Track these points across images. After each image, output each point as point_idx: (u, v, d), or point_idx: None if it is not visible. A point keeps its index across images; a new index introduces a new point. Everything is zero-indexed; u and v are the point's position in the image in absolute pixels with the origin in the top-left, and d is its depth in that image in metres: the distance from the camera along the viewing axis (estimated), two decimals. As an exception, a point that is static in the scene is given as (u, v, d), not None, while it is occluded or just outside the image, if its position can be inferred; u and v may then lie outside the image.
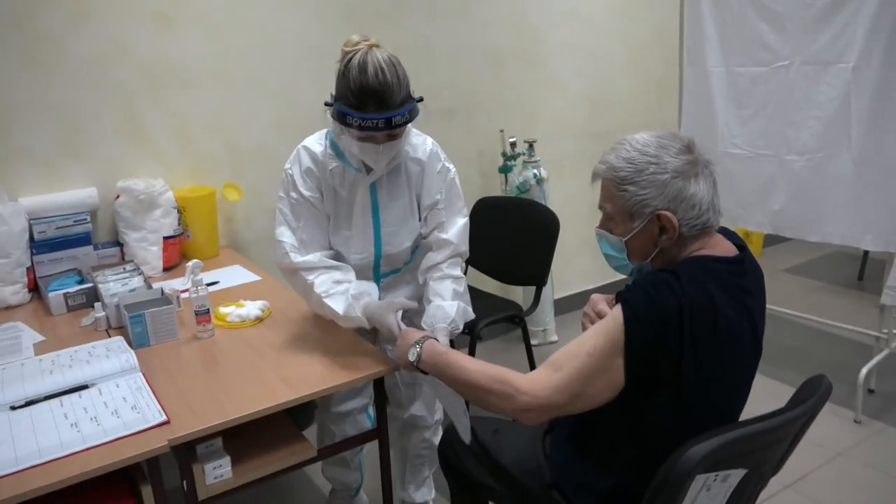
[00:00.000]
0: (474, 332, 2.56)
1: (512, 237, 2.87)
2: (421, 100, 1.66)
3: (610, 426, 1.36)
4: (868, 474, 2.43)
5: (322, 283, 1.74)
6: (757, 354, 1.37)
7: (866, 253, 4.11)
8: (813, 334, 3.44)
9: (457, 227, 1.83)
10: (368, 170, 1.75)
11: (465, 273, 2.99)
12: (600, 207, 1.39)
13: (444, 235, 1.82)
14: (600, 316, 1.39)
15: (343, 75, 1.60)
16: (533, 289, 2.83)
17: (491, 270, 2.99)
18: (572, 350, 1.28)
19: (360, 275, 1.85)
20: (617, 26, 3.68)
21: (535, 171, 3.26)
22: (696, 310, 1.21)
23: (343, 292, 1.72)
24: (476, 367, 1.38)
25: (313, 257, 1.76)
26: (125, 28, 2.38)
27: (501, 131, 3.32)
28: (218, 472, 1.51)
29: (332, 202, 1.80)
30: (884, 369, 2.94)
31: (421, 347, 1.48)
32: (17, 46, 2.22)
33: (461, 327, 1.79)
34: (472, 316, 1.84)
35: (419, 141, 1.82)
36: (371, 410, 2.16)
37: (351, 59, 1.58)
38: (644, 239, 1.33)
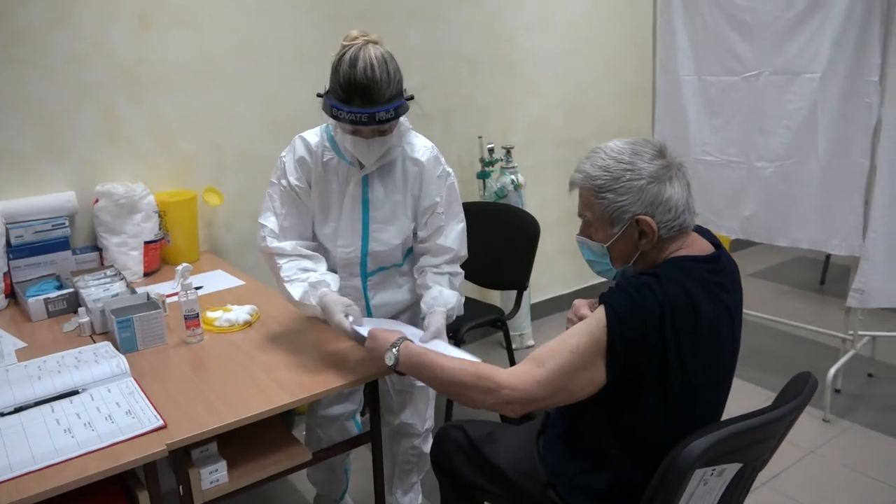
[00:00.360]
0: (458, 336, 2.57)
1: (492, 242, 2.90)
2: (412, 98, 1.68)
3: (598, 426, 1.40)
4: (838, 471, 2.52)
5: (288, 269, 1.77)
6: (735, 348, 1.42)
7: (828, 258, 4.26)
8: (780, 336, 3.55)
9: (456, 233, 1.85)
10: (361, 164, 1.76)
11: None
12: (580, 215, 1.43)
13: (444, 242, 1.84)
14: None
15: (335, 69, 1.63)
16: (511, 293, 2.86)
17: (470, 275, 3.00)
18: (555, 347, 1.32)
19: (347, 270, 1.87)
20: (591, 33, 3.75)
21: (513, 176, 3.30)
22: (677, 309, 1.26)
23: (303, 280, 1.74)
24: (455, 364, 1.41)
25: (287, 245, 1.80)
26: (105, 27, 2.35)
27: (480, 137, 3.36)
28: (214, 476, 1.50)
29: (322, 194, 1.81)
30: (849, 370, 3.05)
31: (398, 350, 1.49)
32: (-6, 44, 2.17)
33: (454, 317, 1.82)
34: (462, 312, 1.88)
35: (419, 142, 1.82)
36: (358, 417, 2.17)
37: (344, 53, 1.61)
38: (625, 243, 1.37)
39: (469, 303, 2.93)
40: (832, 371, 2.83)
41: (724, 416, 1.31)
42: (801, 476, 2.48)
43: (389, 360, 1.49)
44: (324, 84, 1.69)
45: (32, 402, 1.48)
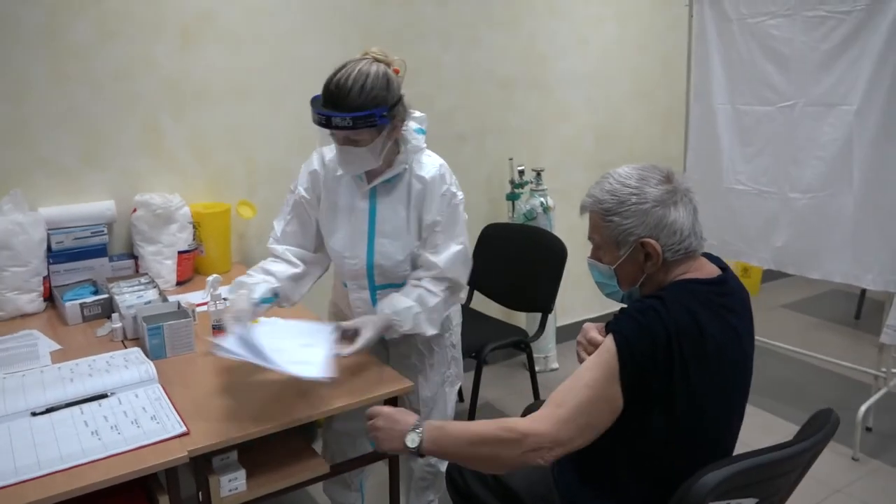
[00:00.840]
0: (481, 356, 2.59)
1: (519, 264, 2.91)
2: (389, 118, 1.65)
3: (609, 451, 1.40)
4: (865, 511, 2.45)
5: (257, 268, 1.86)
6: (746, 372, 1.42)
7: (863, 292, 4.17)
8: (810, 370, 3.48)
9: (449, 253, 1.79)
10: (369, 179, 1.80)
11: (470, 298, 3.06)
12: (589, 238, 1.47)
13: (433, 258, 1.80)
14: (592, 343, 1.42)
15: None
16: (536, 315, 2.86)
17: (496, 296, 3.03)
18: (571, 385, 1.33)
19: (356, 283, 1.89)
20: (625, 58, 3.77)
21: (542, 199, 3.32)
22: (683, 331, 1.28)
23: (245, 278, 1.81)
24: (478, 423, 1.38)
25: (279, 248, 1.89)
26: (150, 43, 2.44)
27: (510, 159, 3.38)
28: (233, 484, 1.53)
29: (332, 207, 1.86)
30: (882, 408, 2.97)
31: (422, 431, 1.37)
32: (46, 59, 2.27)
33: (405, 327, 1.76)
34: (428, 330, 1.80)
35: (429, 161, 1.83)
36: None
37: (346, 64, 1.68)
38: (631, 266, 1.40)
39: (493, 323, 2.97)
40: (863, 408, 2.77)
41: (745, 449, 1.30)
42: (827, 515, 2.43)
43: (412, 443, 1.37)
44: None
45: (63, 403, 1.54)
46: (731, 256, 3.25)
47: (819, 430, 1.29)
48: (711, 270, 1.40)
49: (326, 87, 1.66)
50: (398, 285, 1.86)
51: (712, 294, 1.34)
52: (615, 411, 1.30)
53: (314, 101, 1.69)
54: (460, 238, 1.82)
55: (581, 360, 1.41)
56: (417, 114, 1.86)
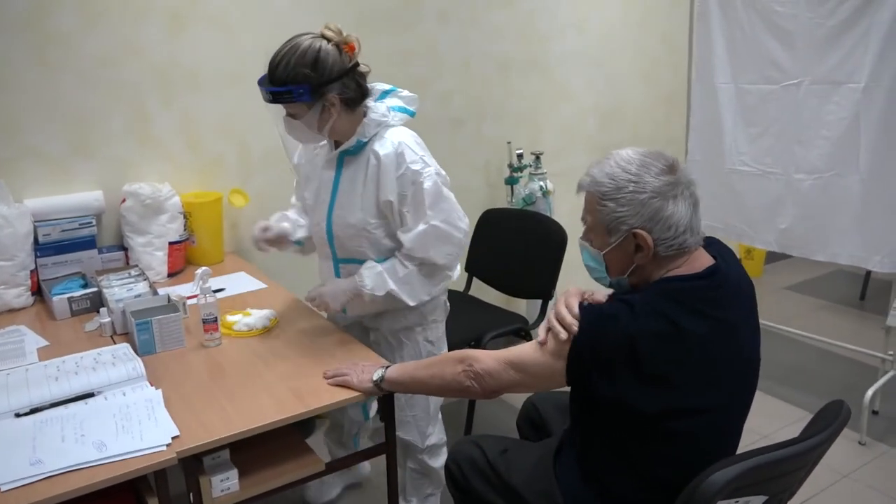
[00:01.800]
0: (480, 344, 2.54)
1: (518, 249, 2.86)
2: (313, 95, 1.70)
3: (607, 452, 1.38)
4: (873, 497, 2.41)
5: (293, 210, 2.10)
6: (746, 366, 1.37)
7: (868, 273, 4.11)
8: (815, 353, 3.43)
9: (415, 233, 1.77)
10: (336, 148, 1.85)
11: (469, 285, 3.01)
12: (582, 219, 1.41)
13: (402, 236, 1.80)
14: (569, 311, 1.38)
15: None
16: (536, 302, 2.81)
17: (495, 282, 2.98)
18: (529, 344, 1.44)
19: (322, 250, 1.98)
20: (626, 38, 3.68)
21: (542, 183, 3.25)
22: (655, 334, 1.24)
23: (280, 216, 2.05)
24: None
25: (295, 200, 2.13)
26: (137, 28, 2.36)
27: (509, 143, 3.31)
28: (225, 484, 1.49)
29: (307, 174, 1.96)
30: (889, 391, 2.92)
31: (385, 368, 1.61)
32: (28, 45, 2.20)
33: (366, 284, 1.80)
34: (398, 293, 1.81)
35: (390, 138, 1.79)
36: (368, 408, 2.28)
37: None
38: (620, 254, 1.35)
39: (493, 311, 2.92)
40: (870, 392, 2.73)
41: (751, 434, 1.25)
42: (834, 501, 2.39)
43: (376, 376, 1.59)
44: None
45: (48, 403, 1.49)
46: (734, 239, 3.20)
47: (830, 424, 1.24)
48: (703, 263, 1.33)
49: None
50: (360, 261, 1.86)
51: (698, 290, 1.29)
52: (556, 384, 1.38)
53: (261, 79, 1.76)
54: (427, 217, 1.77)
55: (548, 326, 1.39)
56: (405, 93, 1.88)
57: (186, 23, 2.45)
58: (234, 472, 1.50)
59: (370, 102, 1.81)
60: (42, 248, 2.21)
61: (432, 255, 1.79)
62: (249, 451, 1.57)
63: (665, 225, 1.28)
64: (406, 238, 1.78)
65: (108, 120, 2.37)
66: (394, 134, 1.80)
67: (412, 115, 1.87)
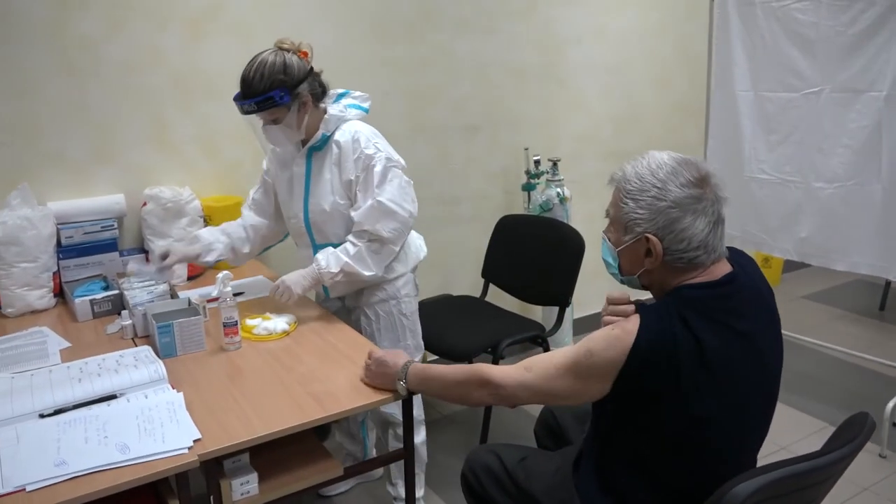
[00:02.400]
0: (497, 351, 2.54)
1: (535, 256, 2.85)
2: (288, 98, 1.90)
3: (626, 464, 1.37)
4: (893, 510, 2.39)
5: (222, 226, 2.24)
6: (766, 377, 1.35)
7: (888, 282, 4.07)
8: (834, 364, 3.40)
9: (363, 208, 1.98)
10: (303, 145, 2.05)
11: (486, 292, 3.01)
12: (606, 210, 1.42)
13: (353, 213, 2.01)
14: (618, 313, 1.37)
15: None
16: (553, 309, 2.81)
17: (512, 289, 2.97)
18: (548, 357, 1.40)
19: (301, 240, 2.17)
20: (643, 46, 3.68)
21: (559, 189, 3.25)
22: (679, 342, 1.23)
23: (209, 240, 2.17)
24: (456, 367, 1.53)
25: (245, 212, 2.27)
26: (159, 35, 2.39)
27: (526, 149, 3.31)
28: (245, 488, 1.50)
29: (282, 177, 2.14)
30: (909, 403, 2.89)
31: (407, 374, 1.57)
32: (53, 52, 2.23)
33: (322, 263, 2.00)
34: (353, 267, 1.98)
35: (347, 128, 2.03)
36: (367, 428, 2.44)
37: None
38: (632, 255, 1.35)
39: (509, 317, 2.92)
40: (891, 404, 2.69)
41: (770, 446, 1.24)
42: (854, 514, 2.36)
43: (401, 391, 1.58)
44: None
45: (71, 405, 1.51)
46: (752, 247, 3.18)
47: (855, 437, 1.23)
48: (721, 271, 1.32)
49: (241, 77, 1.92)
50: (337, 245, 2.05)
51: (714, 299, 1.28)
52: (587, 401, 1.36)
53: (236, 96, 1.94)
54: (374, 192, 1.98)
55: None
56: (358, 93, 2.12)
57: (206, 31, 2.48)
58: (254, 476, 1.51)
59: (329, 104, 2.05)
60: (64, 251, 2.24)
61: (378, 228, 1.98)
62: (268, 454, 1.58)
63: (678, 237, 1.28)
64: (356, 214, 1.99)
65: (129, 125, 2.40)
66: (350, 125, 2.04)
67: (366, 111, 2.11)
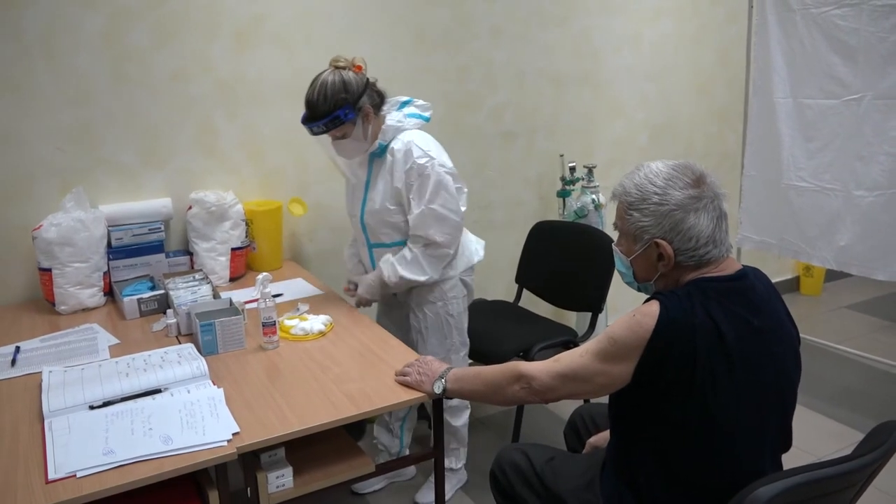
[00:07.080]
0: (529, 356, 2.56)
1: (568, 262, 2.87)
2: (353, 113, 2.00)
3: (647, 464, 1.39)
4: (933, 525, 2.34)
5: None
6: (780, 377, 1.36)
7: (934, 293, 3.97)
8: (875, 375, 3.32)
9: (415, 214, 2.10)
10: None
11: (519, 297, 3.04)
12: (614, 224, 1.49)
13: (409, 219, 2.12)
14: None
15: None
16: (586, 314, 2.82)
17: (546, 294, 2.99)
18: (576, 351, 1.44)
19: (358, 238, 2.31)
20: (681, 53, 3.67)
21: (594, 196, 3.26)
22: (698, 329, 1.27)
23: (354, 266, 2.39)
24: (492, 367, 1.58)
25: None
26: (206, 46, 2.49)
27: (561, 156, 3.34)
28: (280, 481, 1.56)
29: (349, 180, 2.29)
30: (952, 416, 2.82)
31: (446, 379, 1.63)
32: (106, 62, 2.34)
33: (385, 272, 2.15)
34: (406, 274, 2.12)
35: (402, 138, 2.12)
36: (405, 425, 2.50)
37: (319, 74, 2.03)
38: (645, 262, 1.41)
39: (542, 323, 2.94)
40: (931, 417, 2.63)
41: (806, 456, 1.25)
42: (891, 528, 2.32)
43: (438, 389, 1.62)
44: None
45: (119, 397, 1.59)
46: (791, 256, 3.14)
47: (882, 444, 1.22)
48: (732, 267, 1.38)
49: (306, 100, 2.02)
50: (388, 245, 2.20)
51: (729, 292, 1.33)
52: (616, 387, 1.36)
53: (303, 119, 2.06)
54: (426, 200, 2.08)
55: None
56: (420, 102, 2.21)
57: (250, 41, 2.57)
58: (289, 470, 1.57)
59: (388, 112, 2.14)
60: (114, 252, 2.34)
61: (431, 233, 2.10)
62: (303, 450, 1.64)
63: (686, 236, 1.33)
64: (411, 219, 2.11)
65: (177, 132, 2.50)
66: (407, 135, 2.12)
67: (427, 120, 2.19)
